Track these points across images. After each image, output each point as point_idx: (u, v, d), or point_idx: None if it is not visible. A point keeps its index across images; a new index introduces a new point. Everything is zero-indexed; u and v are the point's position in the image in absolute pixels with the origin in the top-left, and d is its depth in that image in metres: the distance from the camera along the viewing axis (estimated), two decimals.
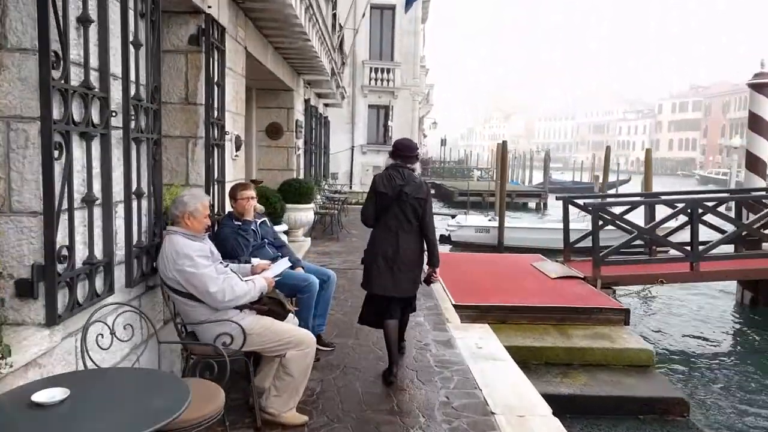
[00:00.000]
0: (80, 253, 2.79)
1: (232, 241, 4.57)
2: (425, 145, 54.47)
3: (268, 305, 3.75)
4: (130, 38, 3.26)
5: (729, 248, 10.85)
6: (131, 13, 3.27)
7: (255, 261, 4.23)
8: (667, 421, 5.77)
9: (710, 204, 9.95)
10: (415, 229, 4.58)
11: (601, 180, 28.46)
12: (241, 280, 3.57)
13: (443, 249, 11.85)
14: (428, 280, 4.83)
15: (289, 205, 8.93)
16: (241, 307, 3.55)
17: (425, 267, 4.82)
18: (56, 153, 2.55)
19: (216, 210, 5.01)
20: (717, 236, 10.25)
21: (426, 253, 4.76)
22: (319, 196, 12.90)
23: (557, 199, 11.74)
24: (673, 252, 10.14)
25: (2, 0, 2.45)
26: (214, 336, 3.40)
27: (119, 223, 3.20)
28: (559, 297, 7.89)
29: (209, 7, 4.78)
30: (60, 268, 2.59)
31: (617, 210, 10.75)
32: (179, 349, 3.99)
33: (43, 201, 2.51)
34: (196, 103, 4.82)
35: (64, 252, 2.61)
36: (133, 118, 3.28)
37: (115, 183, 3.11)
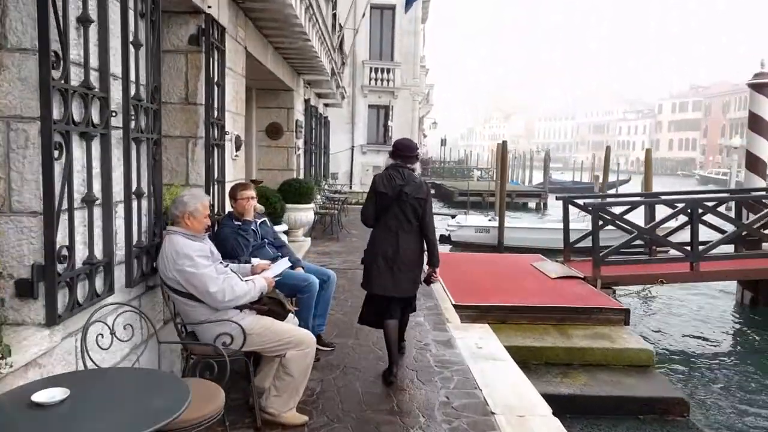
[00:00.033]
0: (80, 253, 2.79)
1: (232, 241, 4.57)
2: (425, 145, 54.48)
3: (268, 305, 3.75)
4: (130, 38, 3.26)
5: (729, 248, 10.85)
6: (131, 13, 3.27)
7: (255, 261, 4.23)
8: (667, 421, 5.77)
9: (710, 204, 9.94)
10: (415, 229, 4.58)
11: (601, 180, 28.48)
12: (241, 280, 3.58)
13: (443, 249, 11.83)
14: (428, 280, 4.84)
15: (289, 205, 8.93)
16: (241, 307, 3.55)
17: (425, 267, 4.82)
18: (56, 153, 2.55)
19: (216, 210, 5.01)
20: (717, 236, 10.25)
21: (426, 253, 4.77)
22: (319, 196, 12.90)
23: (557, 199, 11.74)
24: (673, 252, 10.14)
25: (2, 0, 2.45)
26: (214, 336, 3.40)
27: (119, 223, 3.20)
28: (559, 297, 7.89)
29: (209, 7, 4.78)
30: (60, 268, 2.59)
31: (617, 210, 10.75)
32: (179, 349, 3.99)
33: (43, 201, 2.51)
34: (196, 103, 4.82)
35: (64, 252, 2.61)
36: (133, 118, 3.28)
37: (115, 183, 3.11)
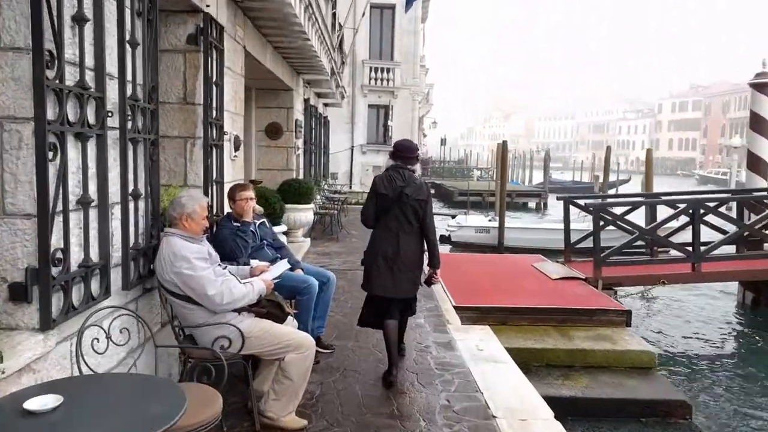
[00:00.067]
0: (75, 256, 2.74)
1: (230, 242, 4.53)
2: (425, 145, 54.43)
3: (267, 308, 3.71)
4: (127, 37, 3.21)
5: (730, 249, 10.80)
6: (128, 12, 3.22)
7: (254, 263, 4.18)
8: (669, 424, 5.73)
9: (712, 204, 9.89)
10: (415, 231, 4.57)
11: (601, 180, 28.45)
12: (240, 282, 3.53)
13: (443, 249, 11.79)
14: (429, 282, 4.82)
15: (288, 206, 8.88)
16: (239, 310, 3.51)
17: (426, 268, 4.80)
18: (50, 154, 2.50)
19: (215, 211, 4.96)
20: (718, 237, 10.20)
21: (426, 254, 4.75)
22: (318, 196, 12.85)
23: (558, 199, 11.69)
24: (674, 252, 10.09)
25: None
26: (212, 339, 3.36)
27: (116, 225, 3.16)
28: (560, 298, 7.84)
29: (207, 6, 4.74)
30: (54, 271, 2.54)
31: (617, 210, 10.70)
32: (177, 353, 3.94)
33: (38, 203, 2.46)
34: (195, 103, 4.77)
35: (59, 255, 2.57)
36: (129, 118, 3.24)
37: (112, 184, 3.06)
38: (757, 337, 9.42)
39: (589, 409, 5.75)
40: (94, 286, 2.89)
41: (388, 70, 23.94)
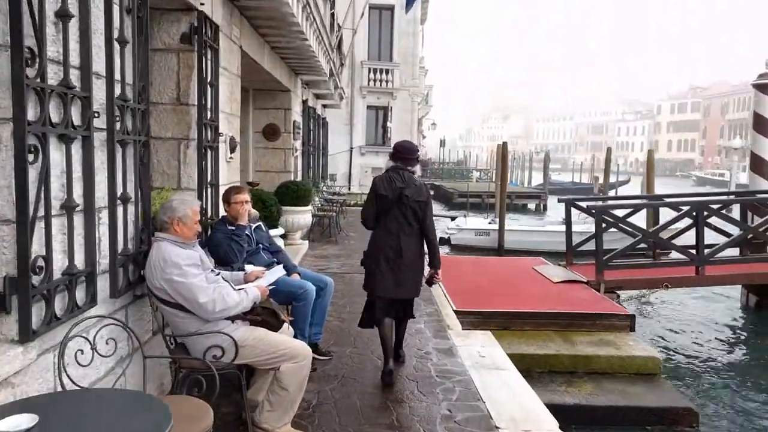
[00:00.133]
0: (59, 263, 2.61)
1: (225, 246, 4.42)
2: (424, 146, 54.31)
3: (262, 316, 3.58)
4: (115, 35, 3.08)
5: (733, 251, 10.67)
6: (116, 8, 3.09)
7: (249, 268, 4.05)
8: None
9: (716, 207, 9.76)
10: (415, 232, 4.59)
11: (601, 181, 28.36)
12: (234, 289, 3.40)
13: (441, 250, 11.67)
14: (430, 281, 4.85)
15: (286, 208, 8.75)
16: (233, 318, 3.38)
17: (426, 268, 4.80)
18: (31, 156, 2.37)
19: (210, 214, 4.83)
20: (720, 239, 10.07)
21: (427, 254, 4.76)
22: (317, 198, 12.72)
23: (560, 201, 11.55)
24: (677, 255, 9.95)
25: None
26: (205, 348, 3.23)
27: (103, 230, 3.03)
28: (563, 302, 7.72)
29: (202, 4, 4.61)
30: (35, 279, 2.41)
31: (618, 212, 10.55)
32: (168, 362, 3.81)
33: (17, 208, 2.33)
34: (188, 104, 4.64)
35: (40, 262, 2.43)
36: (118, 119, 3.10)
37: (99, 188, 2.93)
38: (762, 341, 9.29)
39: (594, 417, 5.62)
40: (80, 294, 2.76)
41: (387, 72, 23.83)
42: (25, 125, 2.31)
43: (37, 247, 2.43)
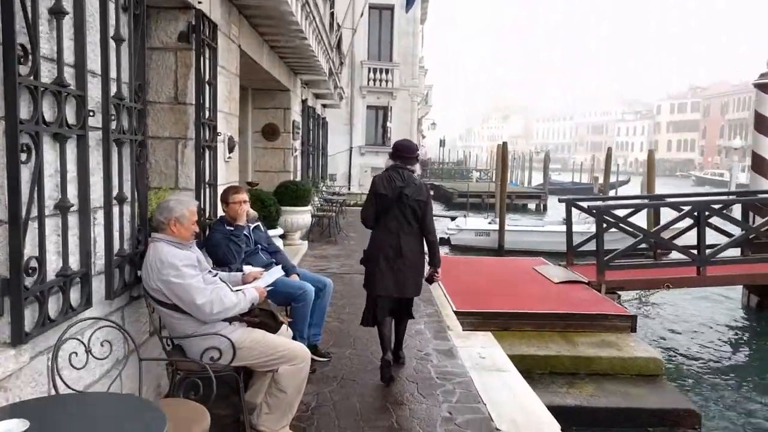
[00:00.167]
0: (53, 264, 2.57)
1: (223, 247, 4.38)
2: (424, 146, 54.26)
3: (260, 317, 3.54)
4: (111, 33, 3.04)
5: (734, 251, 10.63)
6: (111, 6, 3.05)
7: (247, 269, 4.00)
8: None
9: (717, 207, 9.71)
10: (415, 231, 4.58)
11: (601, 181, 28.31)
12: (231, 290, 3.36)
13: (441, 251, 11.62)
14: (430, 279, 4.83)
15: (285, 208, 8.71)
16: (230, 320, 3.34)
17: (426, 267, 4.78)
18: (24, 155, 2.32)
19: (208, 214, 4.79)
20: (721, 239, 10.03)
21: (427, 254, 4.75)
22: (316, 198, 12.68)
23: (560, 201, 11.50)
24: (677, 255, 9.90)
25: None
26: (202, 350, 3.19)
27: (99, 231, 2.98)
28: (564, 303, 7.67)
29: (200, 2, 4.56)
30: (28, 281, 2.36)
31: (620, 212, 10.50)
32: (165, 364, 3.76)
33: (8, 208, 2.28)
34: (186, 103, 4.60)
35: (33, 263, 2.39)
36: (113, 118, 3.06)
37: (95, 188, 2.89)
38: (765, 341, 9.25)
39: (595, 419, 5.57)
40: (74, 296, 2.71)
41: (386, 71, 23.79)
42: (18, 124, 2.26)
43: (30, 248, 2.39)
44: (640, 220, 11.40)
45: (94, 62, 2.88)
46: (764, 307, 10.51)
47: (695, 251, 9.14)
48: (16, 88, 2.25)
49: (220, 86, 5.17)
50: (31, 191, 2.38)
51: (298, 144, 11.61)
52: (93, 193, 2.86)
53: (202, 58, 4.62)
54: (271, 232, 6.23)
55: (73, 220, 2.71)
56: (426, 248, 4.73)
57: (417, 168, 4.69)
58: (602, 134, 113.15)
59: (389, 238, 4.52)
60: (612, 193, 24.87)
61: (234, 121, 5.95)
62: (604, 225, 9.27)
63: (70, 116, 2.66)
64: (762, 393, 7.12)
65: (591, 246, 9.77)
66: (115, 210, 3.13)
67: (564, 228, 11.20)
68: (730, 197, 13.16)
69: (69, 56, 2.66)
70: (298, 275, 4.76)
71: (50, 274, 2.53)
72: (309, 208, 9.80)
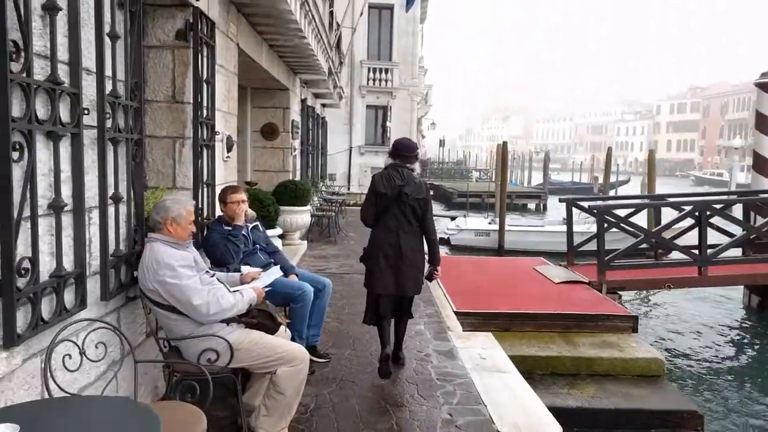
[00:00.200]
0: (47, 265, 2.52)
1: (221, 247, 4.34)
2: (424, 146, 54.20)
3: (258, 318, 3.49)
4: (106, 30, 3.00)
5: (735, 251, 10.58)
6: (107, 2, 3.00)
7: (245, 269, 3.96)
8: None
9: (718, 206, 9.66)
10: (415, 230, 4.57)
11: (600, 181, 28.28)
12: (229, 290, 3.31)
13: (441, 251, 11.58)
14: (430, 277, 4.81)
15: (285, 208, 8.67)
16: (228, 321, 3.29)
17: (426, 265, 4.76)
18: (16, 154, 2.28)
19: (206, 214, 4.74)
20: (722, 239, 9.99)
21: (427, 253, 4.73)
22: (316, 198, 12.63)
23: (561, 201, 11.45)
24: (677, 255, 9.85)
25: None
26: (199, 352, 3.14)
27: (94, 231, 2.94)
28: (565, 303, 7.62)
29: (197, 0, 4.52)
30: (21, 282, 2.32)
31: (620, 212, 10.45)
32: (162, 366, 3.72)
33: (0, 208, 2.24)
34: (184, 102, 4.55)
35: (26, 264, 2.34)
36: (109, 116, 3.02)
37: (89, 187, 2.85)
38: (766, 342, 9.20)
39: (597, 420, 5.52)
40: (68, 297, 2.67)
41: (386, 71, 23.75)
42: (9, 122, 2.22)
43: (22, 249, 2.35)
44: (641, 220, 11.34)
45: (89, 59, 2.84)
46: (765, 308, 10.47)
47: (696, 251, 9.08)
48: (7, 85, 2.20)
49: (219, 85, 5.12)
50: (24, 190, 2.34)
51: (297, 143, 11.57)
52: (88, 192, 2.82)
53: (199, 57, 4.57)
54: (269, 232, 6.19)
55: (67, 219, 2.67)
56: (426, 247, 4.71)
57: (416, 166, 4.66)
58: (602, 134, 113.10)
59: (389, 236, 4.51)
60: (612, 192, 24.85)
61: (232, 120, 5.90)
62: (605, 225, 9.22)
63: (64, 114, 2.62)
64: (765, 394, 7.07)
65: (591, 246, 9.72)
66: (111, 210, 3.09)
67: (564, 228, 11.16)
68: (732, 197, 13.11)
69: (63, 53, 2.62)
70: (297, 275, 4.72)
71: (43, 275, 2.49)
72: (308, 207, 9.75)
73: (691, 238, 9.57)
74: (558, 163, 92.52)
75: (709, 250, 9.09)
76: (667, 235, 9.91)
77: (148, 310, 3.28)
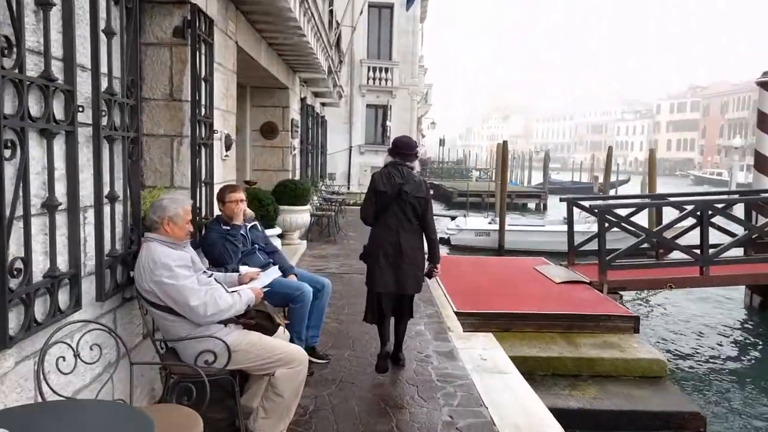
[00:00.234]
0: (40, 265, 2.47)
1: (219, 247, 4.28)
2: (423, 146, 54.18)
3: (256, 319, 3.44)
4: (102, 26, 2.94)
5: (737, 251, 10.53)
6: None
7: (243, 269, 3.91)
8: None
9: (720, 206, 9.61)
10: (415, 228, 4.57)
11: (601, 180, 28.24)
12: (227, 291, 3.26)
13: (441, 250, 11.53)
14: (429, 274, 4.78)
15: (284, 207, 8.62)
16: (225, 322, 3.24)
17: (426, 263, 4.75)
18: (8, 152, 2.23)
19: (204, 214, 4.70)
20: (723, 238, 9.94)
21: (427, 252, 4.72)
22: (315, 198, 12.58)
23: (561, 200, 11.40)
24: (679, 254, 9.80)
25: None
26: (196, 353, 3.10)
27: (89, 231, 2.89)
28: (565, 303, 7.58)
29: None
30: (13, 282, 2.27)
31: (621, 211, 10.40)
32: (158, 368, 3.67)
33: None
34: (182, 100, 4.50)
35: (18, 264, 2.29)
36: (104, 114, 2.96)
37: (84, 185, 2.79)
38: None
39: (598, 422, 5.48)
40: (63, 297, 2.62)
41: (386, 70, 23.70)
42: (1, 118, 2.17)
43: (15, 248, 2.30)
44: (642, 219, 11.29)
45: (83, 56, 2.79)
46: (767, 308, 10.42)
47: (698, 251, 9.04)
48: None
49: (217, 83, 5.08)
50: (16, 189, 2.29)
51: (296, 142, 11.52)
52: (83, 191, 2.77)
53: (198, 54, 4.52)
54: (269, 232, 6.14)
55: (61, 219, 2.62)
56: (426, 245, 4.69)
57: (416, 165, 4.66)
58: (602, 134, 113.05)
59: (389, 235, 4.50)
60: (612, 192, 24.81)
61: (231, 119, 5.86)
62: (606, 224, 9.17)
63: (58, 111, 2.57)
64: (765, 394, 7.02)
65: (592, 246, 9.68)
66: (107, 209, 3.04)
67: (565, 227, 11.11)
68: (733, 196, 13.06)
69: (57, 49, 2.57)
70: (296, 275, 4.67)
71: (37, 275, 2.44)
72: (308, 207, 9.71)
73: (693, 238, 9.52)
74: (558, 162, 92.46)
75: (711, 250, 9.05)
76: (669, 234, 9.87)
77: (144, 311, 3.24)
